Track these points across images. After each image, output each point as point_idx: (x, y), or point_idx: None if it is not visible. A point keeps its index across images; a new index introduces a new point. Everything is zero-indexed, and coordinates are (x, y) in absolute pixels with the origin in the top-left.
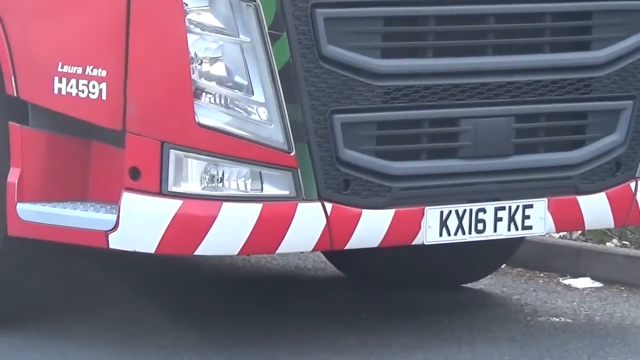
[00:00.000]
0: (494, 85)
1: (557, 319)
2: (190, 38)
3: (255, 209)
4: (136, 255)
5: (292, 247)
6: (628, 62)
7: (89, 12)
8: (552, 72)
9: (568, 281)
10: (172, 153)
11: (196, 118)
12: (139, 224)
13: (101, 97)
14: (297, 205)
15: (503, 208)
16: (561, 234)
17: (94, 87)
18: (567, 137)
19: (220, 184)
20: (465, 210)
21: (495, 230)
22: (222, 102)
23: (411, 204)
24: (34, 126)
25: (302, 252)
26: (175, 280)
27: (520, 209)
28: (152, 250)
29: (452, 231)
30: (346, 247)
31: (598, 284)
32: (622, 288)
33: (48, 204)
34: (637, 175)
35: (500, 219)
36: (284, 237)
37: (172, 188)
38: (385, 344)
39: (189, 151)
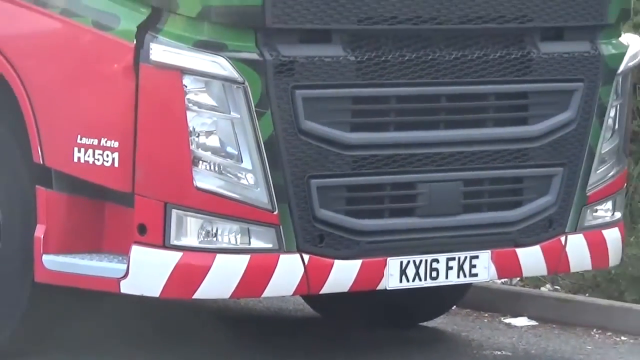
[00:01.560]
0: (446, 154)
1: (499, 352)
2: (189, 115)
3: (244, 259)
4: (143, 299)
5: (275, 292)
6: (559, 135)
7: (103, 92)
8: (494, 143)
9: (508, 320)
10: (174, 212)
11: (194, 182)
12: (145, 272)
13: (114, 164)
14: (279, 256)
15: (453, 258)
16: (502, 280)
17: (107, 156)
18: (507, 199)
19: (215, 238)
20: (421, 261)
21: (447, 277)
22: (216, 169)
23: (376, 255)
24: (57, 189)
25: (283, 296)
26: (174, 318)
27: (468, 260)
28: (157, 295)
29: (411, 278)
30: (321, 292)
31: (534, 323)
32: (554, 326)
33: (69, 255)
34: (566, 231)
35: (451, 268)
36: (268, 283)
37: (174, 242)
38: None
39: (188, 210)
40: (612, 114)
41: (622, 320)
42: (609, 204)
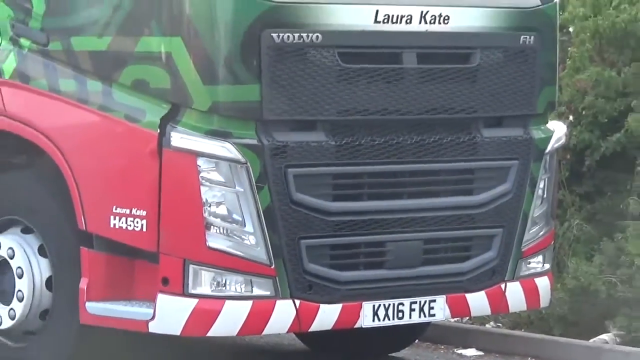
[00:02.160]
0: (409, 219)
1: None
2: (203, 189)
3: (248, 305)
4: (166, 337)
5: (272, 330)
6: (499, 203)
7: (133, 171)
8: (447, 210)
9: (460, 351)
10: (191, 267)
11: (207, 243)
12: (168, 315)
13: (142, 229)
14: (275, 302)
15: (416, 302)
16: (455, 318)
17: (137, 222)
18: (458, 254)
19: (224, 288)
20: (390, 304)
21: (410, 317)
22: (225, 232)
23: (353, 300)
24: (97, 249)
25: (280, 333)
26: (191, 353)
27: (427, 303)
28: (178, 333)
29: (381, 318)
30: (309, 330)
31: (480, 353)
32: (497, 355)
33: (107, 302)
34: (505, 279)
35: (414, 310)
36: (267, 323)
37: (191, 291)
38: None
39: (202, 266)
40: (541, 185)
41: (551, 351)
42: (539, 258)
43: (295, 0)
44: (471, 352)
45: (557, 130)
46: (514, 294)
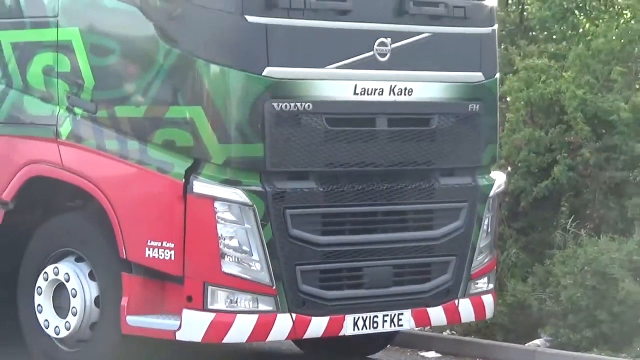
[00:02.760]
0: (381, 249)
1: None
2: (219, 226)
3: (254, 318)
4: (190, 343)
5: (274, 338)
6: (453, 236)
7: (163, 212)
8: (412, 242)
9: (423, 353)
10: (209, 288)
11: (222, 269)
12: (192, 326)
13: (171, 258)
14: (276, 315)
15: (387, 315)
16: (419, 327)
17: (167, 253)
18: (421, 277)
19: (235, 304)
20: (367, 316)
21: (383, 327)
22: (236, 260)
23: (338, 313)
24: (135, 274)
25: (280, 340)
26: (211, 354)
27: (397, 315)
28: (199, 340)
29: (360, 327)
30: (304, 337)
31: (439, 355)
32: (453, 357)
33: (143, 316)
34: (458, 297)
35: (386, 321)
36: (270, 332)
37: (209, 307)
38: None
39: (218, 287)
40: (486, 222)
41: (495, 353)
42: (485, 279)
43: (291, 77)
44: (432, 354)
45: (498, 178)
46: (465, 308)
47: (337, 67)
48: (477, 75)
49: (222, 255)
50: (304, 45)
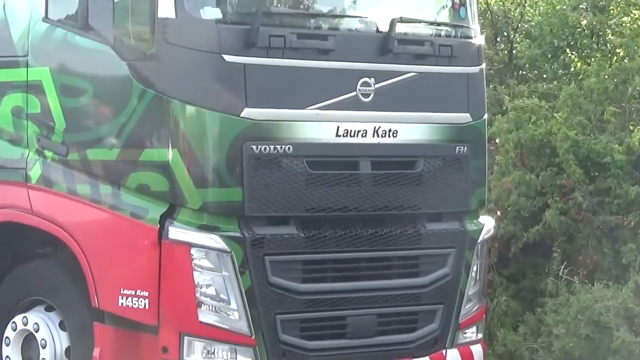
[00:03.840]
0: (365, 297)
1: None
2: (195, 274)
3: None
4: None
5: None
6: (440, 283)
7: (138, 260)
8: (397, 289)
9: None
10: (186, 338)
11: (199, 318)
12: None
13: (145, 307)
14: None
15: None
16: None
17: (141, 301)
18: (407, 326)
19: (213, 355)
20: None
21: None
22: (213, 309)
23: None
24: (108, 324)
25: None
26: None
27: None
28: None
29: None
30: None
31: None
32: None
33: None
34: (446, 346)
35: None
36: None
37: (186, 358)
38: None
39: (195, 337)
40: (474, 269)
41: None
42: (474, 328)
43: (271, 118)
44: None
45: (487, 223)
46: (454, 359)
47: (319, 108)
48: (464, 116)
49: (199, 304)
50: (284, 85)
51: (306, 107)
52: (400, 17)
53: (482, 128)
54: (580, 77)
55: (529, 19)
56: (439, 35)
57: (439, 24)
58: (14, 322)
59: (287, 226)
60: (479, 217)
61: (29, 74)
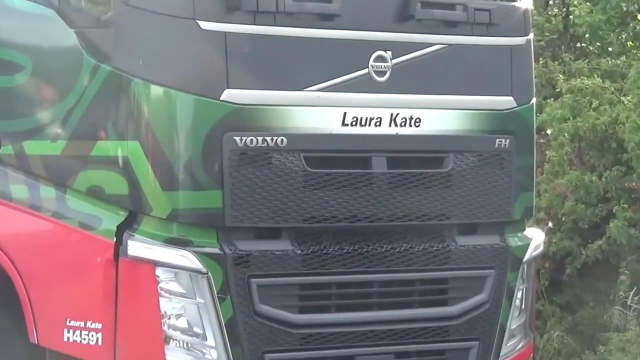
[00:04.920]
0: (379, 331)
1: None
2: (161, 300)
3: None
4: None
5: None
6: (474, 314)
7: (88, 282)
8: (420, 322)
9: None
10: None
11: (166, 358)
12: None
13: (98, 343)
14: None
15: None
16: None
17: (92, 336)
18: None
19: None
20: None
21: None
22: (185, 346)
23: None
24: None
25: None
26: None
27: None
28: None
29: None
30: None
31: None
32: None
33: None
34: None
35: None
36: None
37: None
38: None
39: None
40: (519, 295)
41: None
42: None
43: (259, 102)
44: None
45: (535, 237)
46: None
47: (321, 90)
48: (506, 101)
49: (167, 340)
50: (276, 60)
51: (304, 88)
52: None
53: (529, 115)
54: None
55: None
56: None
57: None
58: None
59: (279, 240)
60: (524, 229)
61: None
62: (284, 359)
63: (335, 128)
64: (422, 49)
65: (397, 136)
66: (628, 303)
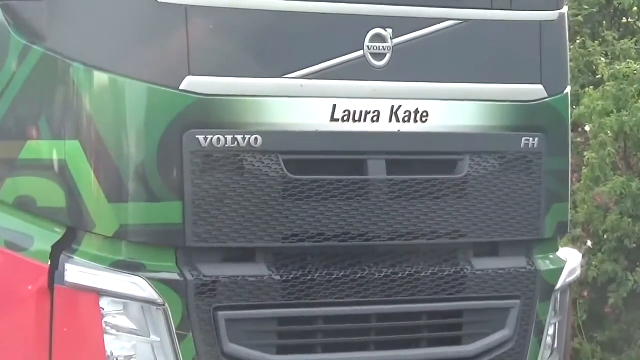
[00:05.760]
0: None
1: None
2: (107, 339)
3: None
4: None
5: None
6: (495, 355)
7: (16, 316)
8: None
9: None
10: None
11: None
12: None
13: None
14: None
15: None
16: None
17: None
18: None
19: None
20: None
21: None
22: None
23: None
24: None
25: None
26: None
27: None
28: None
29: None
30: None
31: None
32: None
33: None
34: None
35: None
36: None
37: None
38: None
39: None
40: (550, 331)
41: None
42: None
43: (227, 92)
44: None
45: (571, 259)
46: None
47: (304, 77)
48: (535, 90)
49: None
50: (249, 41)
51: (284, 74)
52: None
53: (563, 108)
54: None
55: None
56: None
57: None
58: None
59: (253, 264)
60: (558, 249)
61: None
62: None
63: (323, 124)
64: (429, 26)
65: (399, 134)
66: None
